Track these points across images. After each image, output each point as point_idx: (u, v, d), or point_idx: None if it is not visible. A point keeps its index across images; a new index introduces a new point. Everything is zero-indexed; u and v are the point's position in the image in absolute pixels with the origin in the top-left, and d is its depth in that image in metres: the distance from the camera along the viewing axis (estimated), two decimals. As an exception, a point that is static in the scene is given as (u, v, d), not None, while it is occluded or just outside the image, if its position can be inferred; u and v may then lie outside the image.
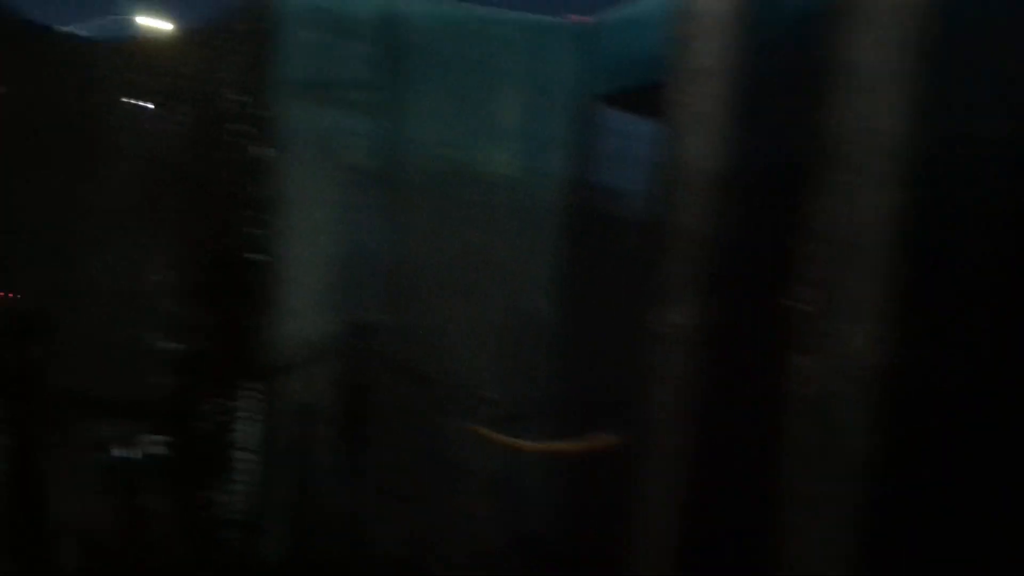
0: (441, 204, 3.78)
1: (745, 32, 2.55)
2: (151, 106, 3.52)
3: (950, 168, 2.12)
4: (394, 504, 3.74)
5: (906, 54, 2.08)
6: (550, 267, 3.94)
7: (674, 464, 2.73)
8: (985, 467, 1.99)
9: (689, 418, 2.65)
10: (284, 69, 3.52)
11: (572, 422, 3.84)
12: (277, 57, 3.51)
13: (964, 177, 2.09)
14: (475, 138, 3.84)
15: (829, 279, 2.17)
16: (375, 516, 3.74)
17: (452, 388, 3.76)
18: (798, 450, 2.25)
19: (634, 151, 4.00)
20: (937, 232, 2.12)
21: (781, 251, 2.49)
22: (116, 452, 3.66)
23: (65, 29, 3.40)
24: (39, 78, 3.35)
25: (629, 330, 3.70)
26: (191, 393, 3.65)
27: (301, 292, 3.62)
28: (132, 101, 3.52)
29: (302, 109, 3.56)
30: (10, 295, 3.61)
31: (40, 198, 3.59)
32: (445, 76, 3.77)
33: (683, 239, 2.69)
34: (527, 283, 3.93)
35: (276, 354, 3.60)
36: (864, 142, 2.18)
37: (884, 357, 2.08)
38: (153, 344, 3.69)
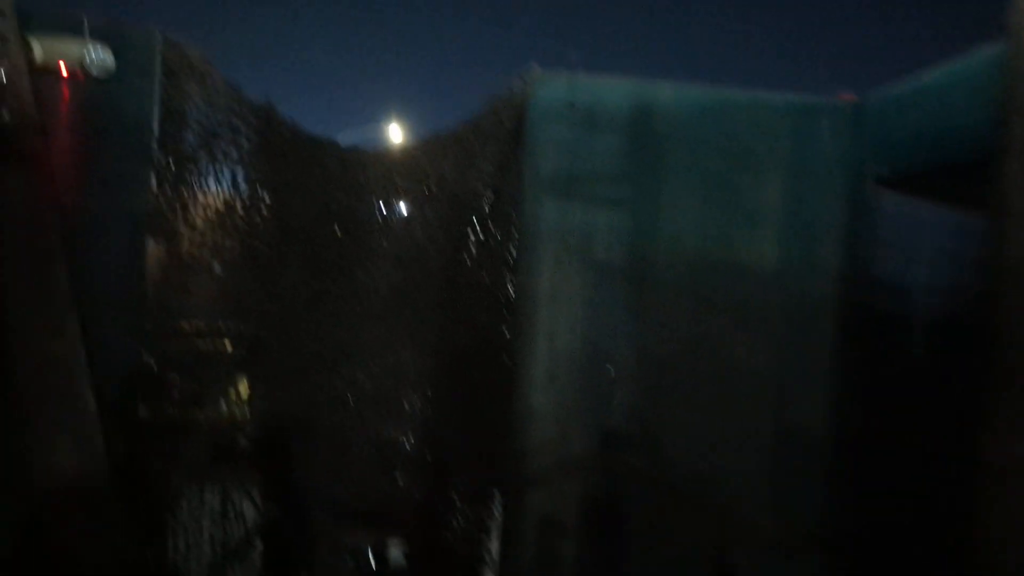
0: (700, 302, 3.46)
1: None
2: (405, 208, 3.54)
3: None
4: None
5: None
6: (824, 372, 3.46)
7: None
8: None
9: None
10: (536, 166, 3.42)
11: (859, 559, 3.28)
12: (528, 154, 3.42)
13: None
14: (736, 229, 3.51)
15: None
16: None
17: (712, 507, 3.34)
18: None
19: (921, 240, 3.48)
20: None
21: None
22: (361, 557, 3.59)
23: (329, 137, 3.54)
24: (305, 182, 3.47)
25: (930, 452, 3.13)
26: (437, 499, 3.52)
27: (550, 396, 3.41)
28: (388, 203, 3.57)
29: (554, 205, 3.42)
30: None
31: (301, 295, 3.67)
32: (703, 164, 3.50)
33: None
34: (798, 390, 3.47)
35: (522, 461, 3.39)
36: None
37: None
38: (399, 446, 3.62)
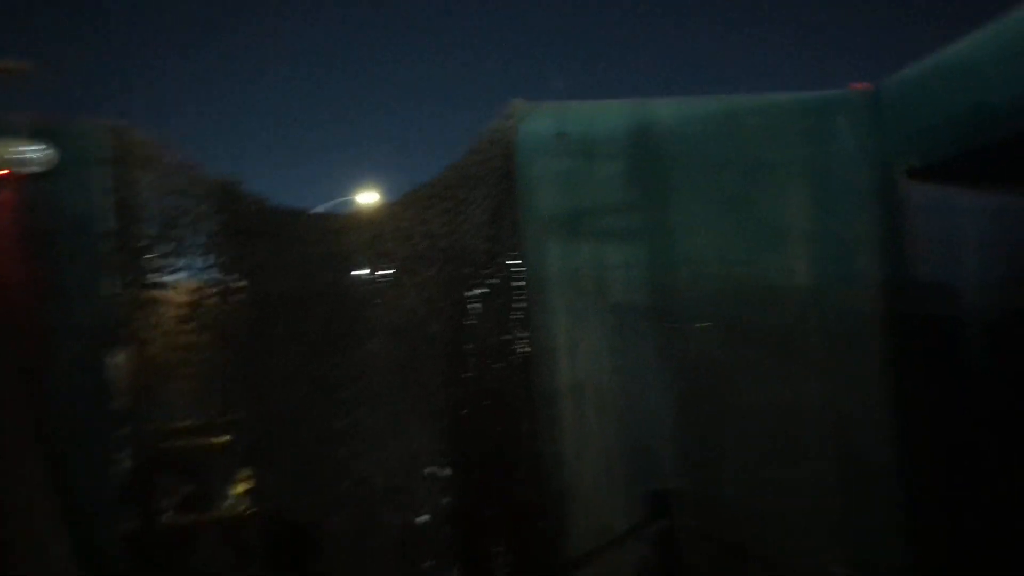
0: (735, 333, 3.11)
1: None
2: (396, 272, 3.20)
3: None
4: None
5: None
6: (880, 392, 3.10)
7: None
8: None
9: None
10: (533, 206, 3.09)
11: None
12: (523, 194, 3.09)
13: None
14: (762, 248, 3.17)
15: None
16: None
17: (785, 564, 2.97)
18: None
19: (967, 232, 3.15)
20: None
21: None
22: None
23: (302, 207, 3.21)
24: (281, 260, 3.14)
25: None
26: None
27: (585, 460, 3.05)
28: (376, 269, 3.23)
29: (559, 247, 3.09)
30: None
31: (295, 382, 3.32)
32: (715, 181, 3.18)
33: None
34: (854, 416, 3.10)
35: (563, 540, 3.02)
36: None
37: None
38: (424, 535, 3.24)
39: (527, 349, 3.12)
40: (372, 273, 3.23)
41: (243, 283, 3.06)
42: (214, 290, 3.01)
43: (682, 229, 3.19)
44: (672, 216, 3.19)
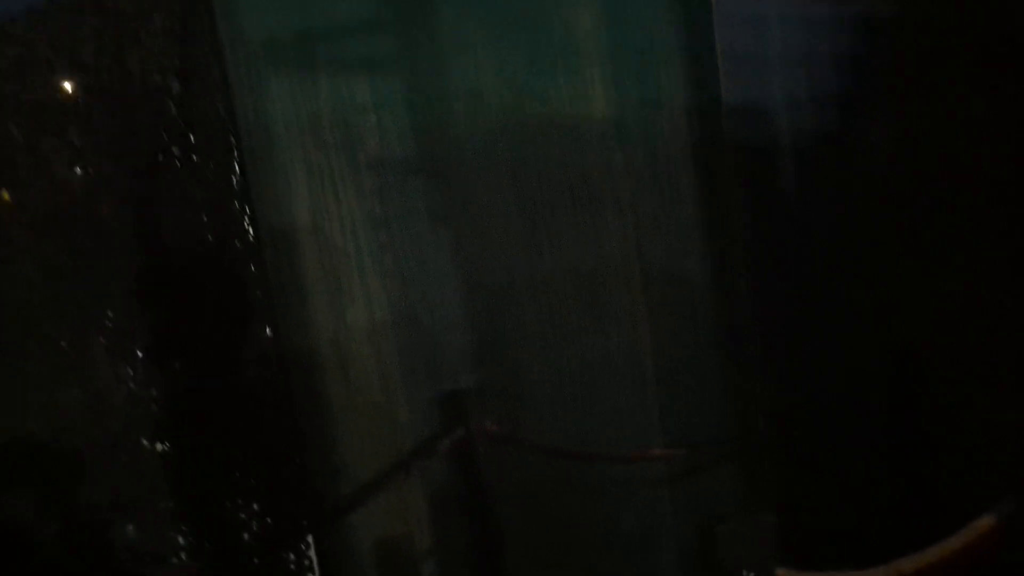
0: (526, 182, 2.44)
1: None
2: (22, 134, 2.08)
3: None
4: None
5: None
6: (694, 236, 2.63)
7: None
8: None
9: None
10: (237, 25, 2.12)
11: (785, 456, 2.63)
12: (219, 5, 2.10)
13: None
14: (551, 73, 2.46)
15: None
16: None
17: (606, 457, 2.50)
18: None
19: (778, 44, 2.67)
20: None
21: None
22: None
23: None
24: None
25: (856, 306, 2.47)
26: (224, 563, 2.34)
27: (349, 371, 2.31)
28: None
29: (284, 84, 2.18)
30: None
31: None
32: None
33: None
34: (673, 272, 2.62)
35: (334, 471, 2.31)
36: None
37: None
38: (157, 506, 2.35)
39: (252, 235, 2.22)
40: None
41: None
42: None
43: (449, 50, 2.38)
44: (435, 33, 2.36)
